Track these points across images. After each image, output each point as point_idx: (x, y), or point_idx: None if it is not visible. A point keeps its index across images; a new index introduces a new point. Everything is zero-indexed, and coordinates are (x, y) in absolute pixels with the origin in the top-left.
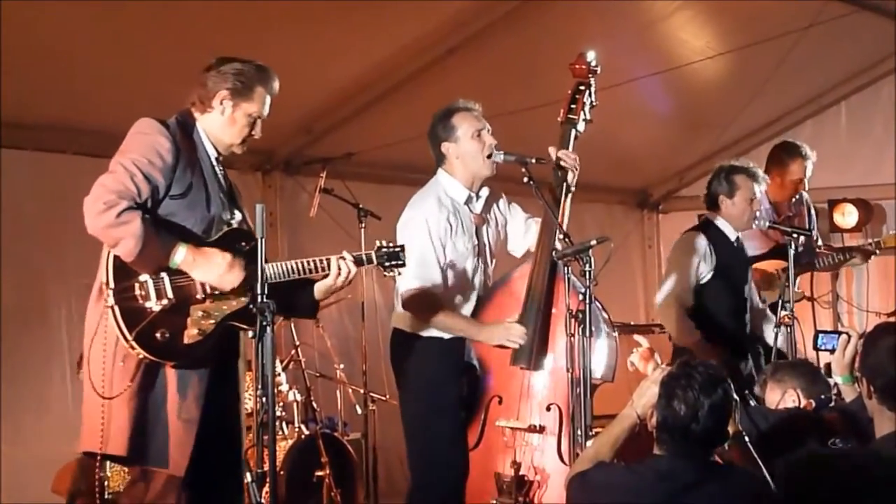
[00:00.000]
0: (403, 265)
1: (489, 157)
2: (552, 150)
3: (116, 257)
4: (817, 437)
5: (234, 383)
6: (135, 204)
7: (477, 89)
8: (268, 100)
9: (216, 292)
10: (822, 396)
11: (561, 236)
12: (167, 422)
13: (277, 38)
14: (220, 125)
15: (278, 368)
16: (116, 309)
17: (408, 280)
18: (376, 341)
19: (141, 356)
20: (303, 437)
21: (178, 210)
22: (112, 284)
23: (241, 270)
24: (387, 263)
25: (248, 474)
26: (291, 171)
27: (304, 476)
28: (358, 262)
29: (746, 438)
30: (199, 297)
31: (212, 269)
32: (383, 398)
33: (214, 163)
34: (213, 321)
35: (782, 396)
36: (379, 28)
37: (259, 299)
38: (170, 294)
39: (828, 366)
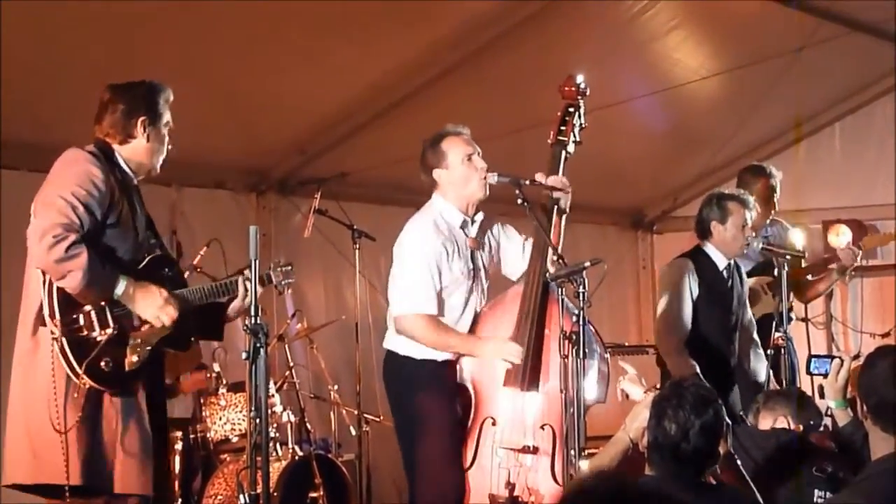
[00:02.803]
0: (293, 281)
1: (482, 179)
2: (540, 177)
3: (60, 289)
4: (805, 458)
5: (162, 403)
6: (80, 237)
7: (471, 110)
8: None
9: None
10: (812, 422)
11: (554, 258)
12: (124, 447)
13: (271, 59)
14: (145, 150)
15: (272, 390)
16: (64, 341)
17: (402, 304)
18: (370, 362)
19: (88, 386)
20: (297, 458)
21: (111, 238)
22: (58, 316)
23: (175, 310)
24: (284, 282)
25: (241, 496)
26: (286, 192)
27: (298, 497)
28: (261, 282)
29: (738, 462)
30: (136, 324)
31: (149, 303)
32: (377, 419)
33: (133, 190)
34: (148, 347)
35: (773, 424)
36: (373, 49)
37: (252, 321)
38: (111, 323)
39: (821, 388)
